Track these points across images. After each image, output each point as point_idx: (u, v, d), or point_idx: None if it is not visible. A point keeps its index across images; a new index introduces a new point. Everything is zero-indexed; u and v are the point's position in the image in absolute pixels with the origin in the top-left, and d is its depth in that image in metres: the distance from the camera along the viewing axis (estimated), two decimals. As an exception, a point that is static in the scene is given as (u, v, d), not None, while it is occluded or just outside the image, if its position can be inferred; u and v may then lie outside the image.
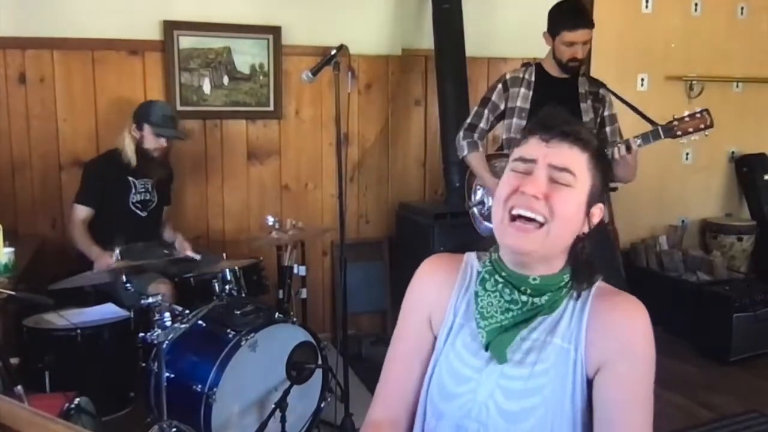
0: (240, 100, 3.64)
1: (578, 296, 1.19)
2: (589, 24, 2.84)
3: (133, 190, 3.15)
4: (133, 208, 3.16)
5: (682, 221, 4.84)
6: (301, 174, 3.85)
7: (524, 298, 1.17)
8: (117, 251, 2.89)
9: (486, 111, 3.02)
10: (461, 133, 3.05)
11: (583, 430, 1.15)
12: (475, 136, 3.03)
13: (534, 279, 1.17)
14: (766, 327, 3.75)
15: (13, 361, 2.27)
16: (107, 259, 2.83)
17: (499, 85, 3.00)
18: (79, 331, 2.60)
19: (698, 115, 2.59)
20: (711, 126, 2.58)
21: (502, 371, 1.17)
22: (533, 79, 2.95)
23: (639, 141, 2.63)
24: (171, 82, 3.47)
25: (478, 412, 1.18)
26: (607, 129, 2.99)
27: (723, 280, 4.18)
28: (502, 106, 2.99)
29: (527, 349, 1.18)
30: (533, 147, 1.17)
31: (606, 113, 3.01)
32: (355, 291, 3.27)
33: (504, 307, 1.18)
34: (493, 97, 3.01)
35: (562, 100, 2.92)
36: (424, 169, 4.11)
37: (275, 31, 3.64)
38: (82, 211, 3.08)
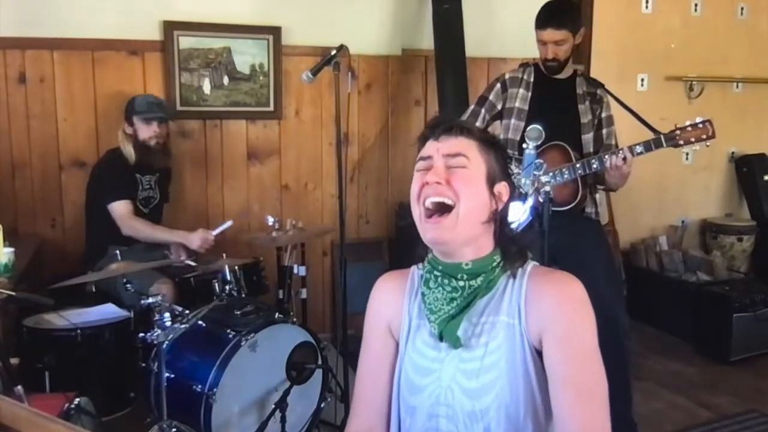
0: (240, 100, 3.64)
1: (515, 275, 1.30)
2: (558, 24, 2.76)
3: (140, 187, 3.16)
4: (139, 205, 3.16)
5: (682, 221, 4.83)
6: (301, 174, 3.85)
7: (461, 283, 1.29)
8: (118, 256, 2.90)
9: (483, 110, 2.99)
10: None
11: (541, 395, 1.24)
12: None
13: (467, 264, 1.29)
14: (766, 327, 3.75)
15: (13, 361, 2.27)
16: (201, 234, 2.99)
17: (498, 85, 2.98)
18: (79, 331, 2.60)
19: (700, 126, 2.59)
20: (713, 137, 2.59)
21: (460, 356, 1.29)
22: (532, 79, 2.92)
23: (640, 149, 2.62)
24: (171, 82, 3.47)
25: (445, 397, 1.29)
26: (604, 131, 2.94)
27: (723, 280, 4.18)
28: (500, 106, 2.97)
29: (479, 332, 1.29)
30: (428, 147, 1.32)
31: (603, 114, 2.97)
32: (355, 291, 3.24)
33: (448, 298, 1.29)
34: (491, 97, 2.99)
35: (560, 101, 2.92)
36: (424, 169, 4.10)
37: (275, 31, 3.64)
38: (122, 206, 3.05)
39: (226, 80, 3.60)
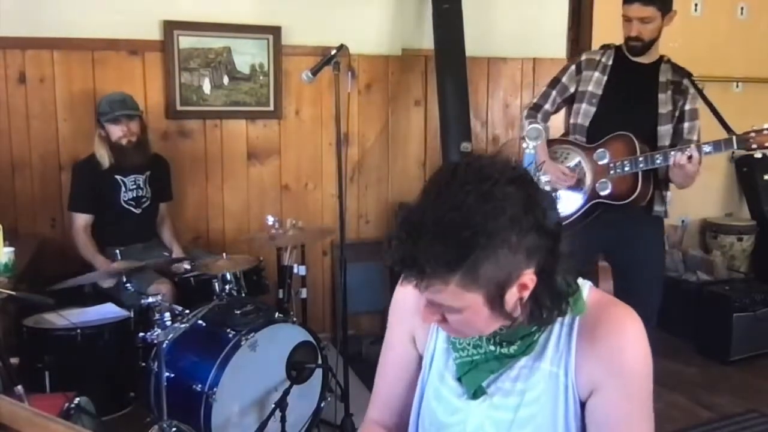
0: (240, 100, 3.64)
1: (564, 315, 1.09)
2: (646, 0, 2.60)
3: (124, 188, 3.15)
4: (126, 206, 3.16)
5: (682, 221, 4.83)
6: (301, 174, 3.85)
7: (492, 347, 1.11)
8: (118, 256, 2.90)
9: (554, 92, 2.83)
10: (525, 113, 2.85)
11: None
12: (539, 117, 2.80)
13: (501, 329, 1.09)
14: (766, 327, 3.75)
15: (13, 361, 2.27)
16: (110, 268, 2.86)
17: (573, 67, 2.81)
18: (79, 331, 2.60)
19: None
20: None
21: (491, 401, 1.12)
22: (610, 62, 2.76)
23: (709, 148, 2.50)
24: (171, 82, 3.47)
25: None
26: (685, 125, 2.76)
27: (723, 280, 4.18)
28: (572, 89, 2.80)
29: (515, 376, 1.11)
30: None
31: (687, 107, 2.78)
32: (355, 291, 3.26)
33: (475, 342, 1.12)
34: (564, 79, 2.82)
35: (639, 88, 2.74)
36: (424, 169, 4.10)
37: (275, 31, 3.64)
38: (80, 218, 3.09)
39: (226, 80, 3.60)
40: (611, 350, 1.06)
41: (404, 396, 1.26)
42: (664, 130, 2.72)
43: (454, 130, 3.73)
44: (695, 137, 2.75)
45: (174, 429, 2.35)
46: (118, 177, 3.14)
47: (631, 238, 2.72)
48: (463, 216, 0.94)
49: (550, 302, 1.04)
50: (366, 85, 3.91)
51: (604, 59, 2.77)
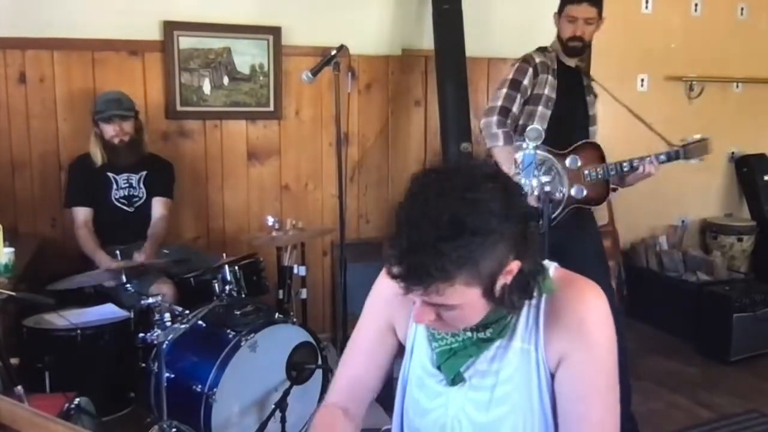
0: (240, 101, 3.64)
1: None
2: (593, 1, 2.76)
3: (115, 186, 3.15)
4: (118, 204, 3.16)
5: (682, 221, 4.83)
6: (301, 174, 3.85)
7: (469, 333, 1.15)
8: (119, 256, 2.91)
9: (518, 95, 2.83)
10: (494, 118, 2.78)
11: (556, 428, 1.14)
12: (509, 123, 2.80)
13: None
14: (766, 327, 3.75)
15: (13, 361, 2.27)
16: (111, 265, 2.84)
17: (530, 69, 2.85)
18: (79, 331, 2.60)
19: (702, 142, 2.78)
20: (708, 153, 2.81)
21: (470, 383, 1.17)
22: (555, 66, 2.87)
23: (663, 158, 2.76)
24: (171, 82, 3.47)
25: (452, 427, 1.18)
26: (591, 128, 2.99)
27: (723, 280, 4.18)
28: (530, 91, 2.85)
29: (491, 357, 1.16)
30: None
31: (596, 108, 3.02)
32: (355, 291, 3.25)
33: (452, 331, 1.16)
34: (525, 81, 2.83)
35: (577, 92, 2.92)
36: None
37: (275, 31, 3.64)
38: (79, 213, 3.09)
39: (226, 80, 3.60)
40: (574, 321, 1.12)
41: (367, 382, 1.30)
42: (593, 131, 2.95)
43: (454, 130, 3.73)
44: (598, 137, 2.99)
45: (174, 429, 2.35)
46: (110, 174, 3.14)
47: (578, 230, 2.82)
48: (458, 219, 0.99)
49: (527, 283, 1.10)
50: (366, 85, 3.91)
51: (550, 62, 2.87)
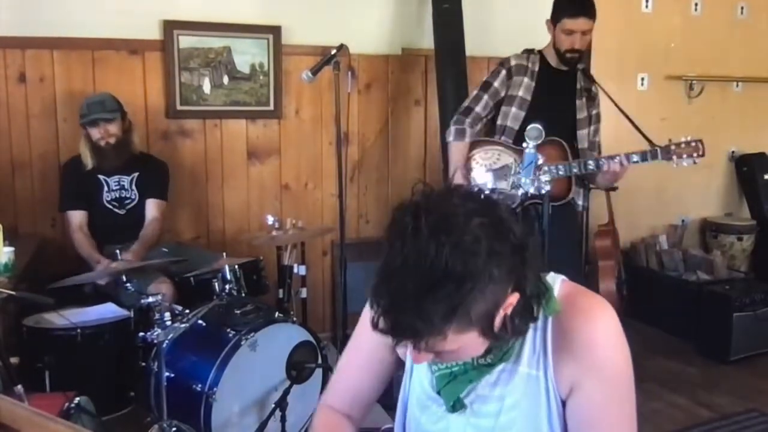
0: (240, 100, 3.64)
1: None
2: (591, 14, 2.80)
3: (106, 188, 3.15)
4: (109, 206, 3.15)
5: (682, 220, 4.84)
6: (301, 174, 3.85)
7: (469, 359, 1.08)
8: (119, 255, 2.90)
9: (486, 96, 2.95)
10: (455, 117, 3.00)
11: None
12: (467, 122, 2.96)
13: None
14: (766, 327, 3.75)
15: (13, 360, 2.27)
16: (109, 268, 2.84)
17: (503, 71, 2.94)
18: (79, 330, 2.60)
19: (693, 144, 2.71)
20: (702, 155, 2.72)
21: (471, 409, 1.11)
22: (536, 69, 2.90)
23: (636, 158, 2.71)
24: (171, 81, 3.47)
25: None
26: (592, 128, 3.01)
27: (723, 279, 4.18)
28: (503, 93, 2.94)
29: (494, 381, 1.10)
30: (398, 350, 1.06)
31: (594, 111, 3.02)
32: (355, 291, 3.26)
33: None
34: (496, 83, 2.94)
35: (561, 95, 2.95)
36: (424, 169, 4.11)
37: (275, 30, 3.64)
38: (73, 217, 3.10)
39: (226, 80, 3.60)
40: (583, 346, 1.05)
41: (369, 393, 1.29)
42: (582, 134, 2.96)
43: (454, 130, 3.73)
44: (598, 138, 3.05)
45: (174, 429, 2.35)
46: (101, 177, 3.13)
47: (555, 227, 2.79)
48: (443, 270, 0.90)
49: (531, 307, 1.03)
50: (366, 84, 3.91)
51: (530, 65, 2.92)
